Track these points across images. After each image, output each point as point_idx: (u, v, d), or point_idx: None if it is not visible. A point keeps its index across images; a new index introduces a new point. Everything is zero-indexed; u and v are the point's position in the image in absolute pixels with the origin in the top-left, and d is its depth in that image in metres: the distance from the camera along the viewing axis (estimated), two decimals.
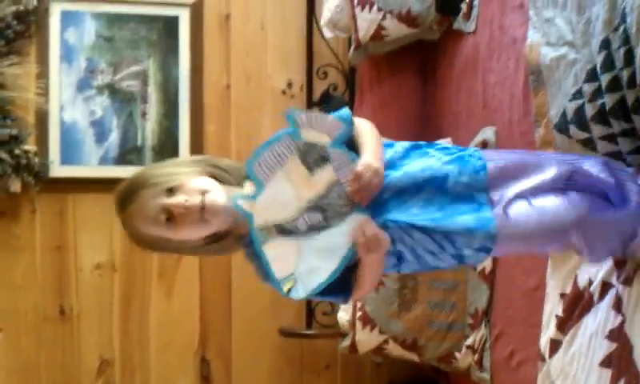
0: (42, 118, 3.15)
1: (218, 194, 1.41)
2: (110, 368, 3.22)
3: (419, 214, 1.44)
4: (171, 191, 1.40)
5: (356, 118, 1.50)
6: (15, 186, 3.06)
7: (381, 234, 1.39)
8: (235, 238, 1.46)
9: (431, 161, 1.50)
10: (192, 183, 1.41)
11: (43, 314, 3.16)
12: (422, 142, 1.58)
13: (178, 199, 1.39)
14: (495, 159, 1.55)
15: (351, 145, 1.46)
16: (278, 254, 1.38)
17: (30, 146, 3.09)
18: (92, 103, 3.22)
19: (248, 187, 1.43)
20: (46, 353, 3.16)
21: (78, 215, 3.20)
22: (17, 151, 3.03)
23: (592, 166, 1.58)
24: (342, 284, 1.44)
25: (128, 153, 3.24)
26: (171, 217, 1.39)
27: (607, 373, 1.65)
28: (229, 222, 1.43)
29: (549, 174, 1.53)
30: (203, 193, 1.40)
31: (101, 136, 3.21)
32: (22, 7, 3.06)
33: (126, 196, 1.42)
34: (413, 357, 2.74)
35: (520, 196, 1.50)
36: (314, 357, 3.37)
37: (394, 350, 2.75)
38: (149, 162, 3.22)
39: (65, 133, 3.18)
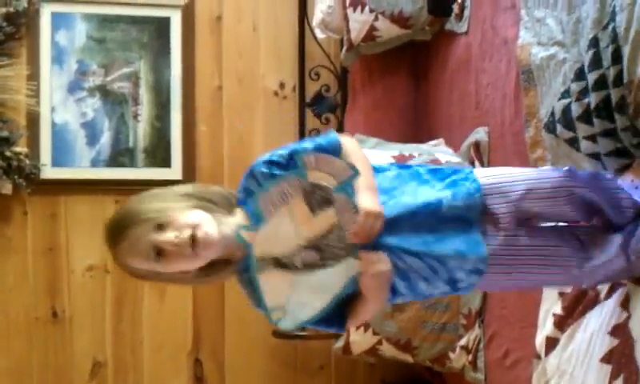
0: (33, 120, 3.14)
1: (208, 228, 1.40)
2: (102, 370, 3.21)
3: (411, 238, 1.45)
4: (161, 227, 1.39)
5: (342, 138, 1.50)
6: (6, 188, 3.05)
7: (381, 256, 1.41)
8: (227, 265, 1.46)
9: (425, 189, 1.51)
10: (182, 218, 1.39)
11: (35, 316, 3.15)
12: (416, 168, 1.57)
13: (167, 236, 1.38)
14: (493, 184, 1.54)
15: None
16: (272, 284, 1.43)
17: (21, 148, 3.08)
18: (83, 105, 3.21)
19: (239, 215, 1.45)
20: (39, 355, 3.15)
21: (69, 217, 3.18)
22: (8, 153, 3.02)
23: (585, 185, 1.57)
24: (338, 314, 1.47)
25: (120, 154, 3.23)
26: (162, 253, 1.39)
27: (607, 369, 1.65)
28: (221, 251, 1.43)
29: (542, 199, 1.54)
30: (194, 227, 1.39)
31: (92, 138, 3.20)
32: (12, 9, 3.04)
33: (117, 232, 1.41)
34: (407, 357, 2.74)
35: (514, 228, 1.51)
36: (307, 358, 3.37)
37: (388, 350, 2.75)
38: (141, 164, 3.22)
39: (56, 135, 3.17)
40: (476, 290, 1.57)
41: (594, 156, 1.75)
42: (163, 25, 3.28)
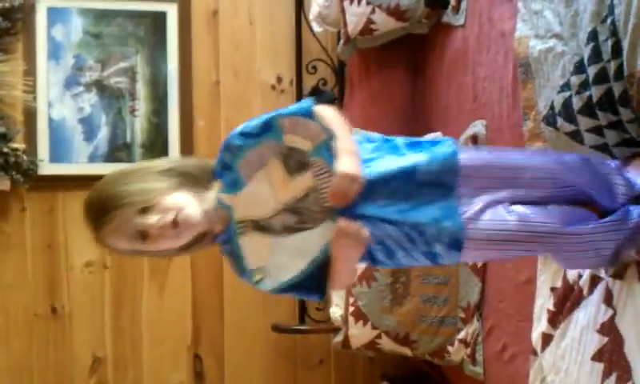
0: (30, 116, 3.13)
1: (191, 209, 1.43)
2: (102, 366, 3.21)
3: (387, 206, 1.45)
4: (145, 211, 1.41)
5: (319, 107, 1.49)
6: (4, 184, 3.04)
7: (361, 228, 1.40)
8: (210, 238, 1.49)
9: (403, 159, 1.50)
10: (165, 202, 1.42)
11: (34, 312, 3.15)
12: (400, 143, 1.56)
13: (152, 220, 1.40)
14: (471, 155, 1.54)
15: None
16: (252, 247, 1.45)
17: (19, 144, 3.07)
18: (80, 100, 3.20)
19: (217, 187, 1.47)
20: (38, 352, 3.15)
21: (67, 213, 3.18)
22: (5, 149, 3.00)
23: (573, 170, 1.56)
24: (317, 284, 1.48)
25: (117, 150, 3.22)
26: (146, 235, 1.42)
27: (599, 367, 1.65)
28: (203, 227, 1.46)
29: (523, 187, 1.52)
30: (177, 210, 1.41)
31: (90, 133, 3.20)
32: (7, 4, 3.03)
33: (100, 214, 1.42)
34: (405, 351, 2.74)
35: (493, 203, 1.49)
36: (306, 352, 3.37)
37: (387, 344, 2.75)
38: (138, 159, 3.21)
39: (53, 130, 3.16)
40: (460, 262, 1.55)
41: (600, 148, 1.74)
42: (160, 19, 3.26)
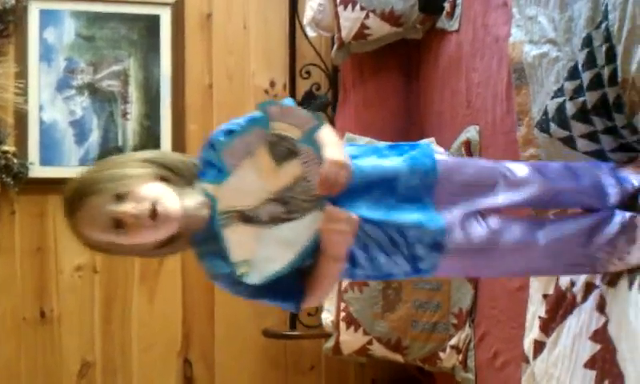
0: (21, 119, 3.11)
1: (169, 201, 1.37)
2: (91, 370, 3.18)
3: (371, 207, 1.44)
4: (120, 198, 1.34)
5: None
6: None
7: (352, 214, 1.39)
8: (185, 240, 1.43)
9: (384, 160, 1.50)
10: (142, 190, 1.35)
11: (23, 316, 3.12)
12: (381, 145, 1.57)
13: (126, 207, 1.34)
14: (448, 162, 1.57)
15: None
16: (238, 239, 1.40)
17: (9, 147, 3.05)
18: (72, 103, 3.18)
19: (199, 186, 1.41)
20: (27, 355, 3.12)
21: (58, 216, 3.15)
22: None
23: (557, 180, 1.59)
24: (293, 291, 1.44)
25: (109, 153, 3.17)
26: (120, 224, 1.35)
27: (591, 374, 1.65)
28: (181, 224, 1.39)
29: (504, 197, 1.55)
30: (154, 201, 1.35)
31: (81, 136, 3.18)
32: None
33: (73, 201, 1.36)
34: (397, 357, 2.73)
35: (469, 214, 1.51)
36: (297, 358, 3.35)
37: (379, 350, 2.74)
38: None
39: (44, 133, 3.14)
40: (437, 273, 1.55)
41: (594, 154, 1.74)
42: (153, 22, 3.25)
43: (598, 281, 1.68)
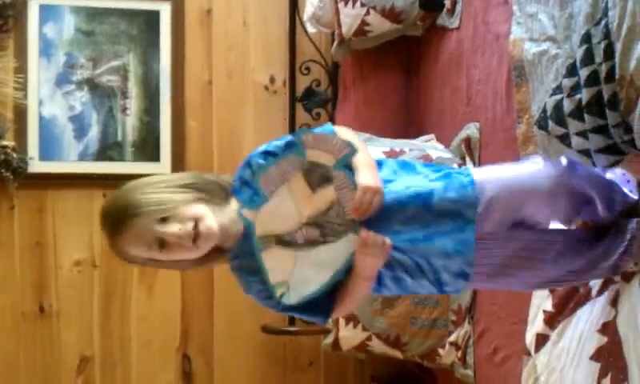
0: (21, 113, 3.10)
1: (210, 221, 1.44)
2: (90, 365, 3.18)
3: (400, 233, 1.47)
4: (165, 219, 1.42)
5: (337, 128, 1.53)
6: None
7: (385, 239, 1.43)
8: (222, 252, 1.50)
9: (417, 178, 1.53)
10: (185, 211, 1.43)
11: (22, 311, 3.12)
12: (411, 162, 1.60)
13: (172, 229, 1.41)
14: (488, 183, 1.53)
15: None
16: (275, 261, 1.47)
17: (9, 142, 3.05)
18: (71, 98, 3.18)
19: (233, 204, 1.48)
20: (25, 350, 3.12)
21: (57, 211, 3.16)
22: None
23: (583, 179, 1.58)
24: (323, 304, 1.50)
25: (108, 148, 3.20)
26: (164, 244, 1.42)
27: (596, 366, 1.65)
28: (219, 240, 1.46)
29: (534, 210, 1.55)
30: (196, 220, 1.42)
31: (80, 131, 3.17)
32: None
33: (118, 222, 1.43)
34: (396, 354, 2.73)
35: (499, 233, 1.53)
36: (296, 354, 3.35)
37: (378, 346, 2.74)
38: (129, 158, 3.19)
39: (44, 128, 3.14)
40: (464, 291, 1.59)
41: (585, 152, 1.74)
42: (153, 18, 3.25)
43: (617, 277, 1.68)
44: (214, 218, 1.44)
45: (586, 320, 1.73)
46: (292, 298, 1.47)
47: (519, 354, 2.03)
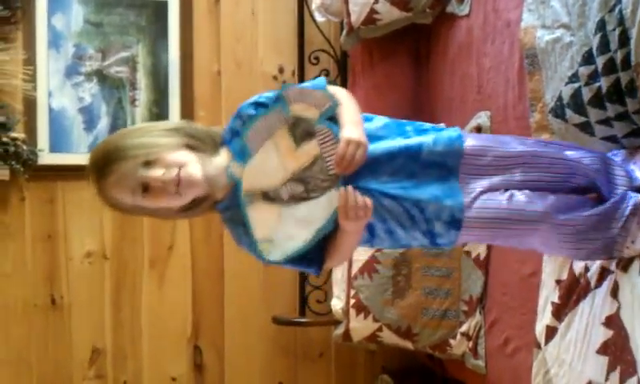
0: (30, 105, 3.10)
1: (194, 168, 1.45)
2: (101, 357, 3.19)
3: (390, 182, 1.47)
4: (149, 164, 1.43)
5: (331, 87, 1.52)
6: (4, 174, 3.02)
7: (367, 201, 1.41)
8: (210, 203, 1.51)
9: (407, 132, 1.54)
10: (169, 157, 1.44)
11: (34, 303, 3.13)
12: (402, 121, 1.59)
13: (155, 173, 1.43)
14: (475, 140, 1.57)
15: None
16: (260, 217, 1.47)
17: (19, 134, 3.04)
18: (80, 90, 3.17)
19: (223, 155, 1.49)
20: (37, 343, 3.13)
21: (67, 203, 3.16)
22: (5, 139, 2.98)
23: (578, 159, 1.58)
24: (316, 256, 1.50)
25: None
26: (148, 189, 1.43)
27: (604, 360, 1.64)
28: (204, 189, 1.47)
29: (522, 172, 1.54)
30: (180, 166, 1.43)
31: (90, 123, 3.17)
32: None
33: (103, 166, 1.44)
34: (407, 344, 2.72)
35: (490, 188, 1.52)
36: (307, 345, 3.35)
37: (388, 337, 2.74)
38: None
39: (53, 120, 3.14)
40: (455, 245, 1.58)
41: (611, 139, 1.73)
42: (161, 8, 3.24)
43: (612, 266, 1.66)
44: (199, 166, 1.45)
45: (589, 312, 1.73)
46: (276, 255, 1.47)
47: (530, 346, 2.02)
